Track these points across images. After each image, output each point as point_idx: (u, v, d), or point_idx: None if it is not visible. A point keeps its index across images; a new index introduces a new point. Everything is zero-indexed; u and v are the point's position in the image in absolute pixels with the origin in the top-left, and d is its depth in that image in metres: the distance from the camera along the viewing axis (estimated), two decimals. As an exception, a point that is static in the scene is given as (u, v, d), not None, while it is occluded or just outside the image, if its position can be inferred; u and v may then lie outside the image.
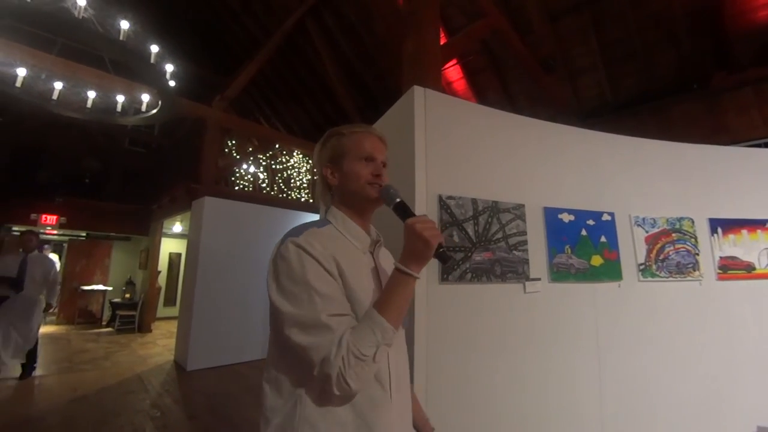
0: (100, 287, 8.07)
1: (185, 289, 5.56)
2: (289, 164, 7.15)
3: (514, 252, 1.89)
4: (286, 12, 6.51)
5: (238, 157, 6.40)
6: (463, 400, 1.68)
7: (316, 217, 0.95)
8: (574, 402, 1.89)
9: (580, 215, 2.09)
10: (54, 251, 9.07)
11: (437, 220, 1.75)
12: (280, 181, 6.94)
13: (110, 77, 4.42)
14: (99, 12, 3.19)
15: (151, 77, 3.73)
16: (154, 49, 3.58)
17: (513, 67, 5.38)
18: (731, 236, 2.34)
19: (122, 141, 10.05)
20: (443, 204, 1.77)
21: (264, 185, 6.69)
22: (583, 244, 2.06)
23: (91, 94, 4.24)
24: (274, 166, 6.89)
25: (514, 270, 1.87)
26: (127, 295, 7.72)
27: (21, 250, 4.21)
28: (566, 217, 2.06)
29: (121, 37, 3.23)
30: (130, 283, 7.93)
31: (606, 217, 2.15)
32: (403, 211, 0.82)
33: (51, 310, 4.59)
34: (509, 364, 1.79)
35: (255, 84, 8.03)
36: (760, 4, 3.92)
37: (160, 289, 8.43)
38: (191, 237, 5.56)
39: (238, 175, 6.38)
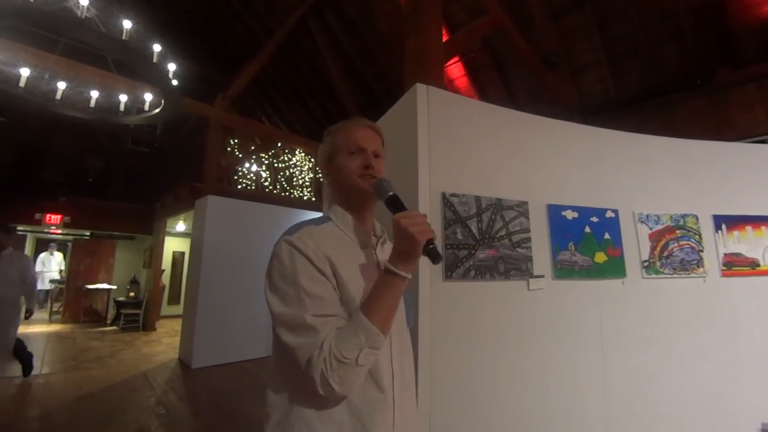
0: (105, 286, 8.12)
1: (189, 288, 5.60)
2: (291, 162, 7.16)
3: (518, 249, 1.89)
4: (287, 10, 6.50)
5: (240, 155, 6.40)
6: (467, 396, 1.68)
7: (318, 215, 0.94)
8: (578, 399, 1.89)
9: (584, 212, 2.09)
10: (59, 250, 9.16)
11: (440, 217, 1.75)
12: (283, 179, 6.95)
13: (113, 77, 4.42)
14: (101, 11, 3.21)
15: (154, 76, 3.74)
16: (157, 48, 3.59)
17: (515, 64, 5.36)
18: (735, 233, 2.33)
19: (125, 140, 10.11)
20: (446, 201, 1.77)
21: (267, 184, 6.70)
22: (587, 241, 2.06)
23: (94, 94, 4.25)
24: (276, 165, 6.90)
25: (517, 267, 1.87)
26: (132, 294, 7.76)
27: None
28: (570, 214, 2.06)
29: (123, 37, 3.25)
30: (134, 282, 7.96)
31: (610, 214, 2.15)
32: (394, 205, 0.79)
33: (31, 317, 4.26)
34: (513, 361, 1.79)
35: (257, 82, 8.03)
36: (764, -2, 3.88)
37: (164, 287, 8.48)
38: (195, 235, 5.59)
39: (240, 173, 6.39)
